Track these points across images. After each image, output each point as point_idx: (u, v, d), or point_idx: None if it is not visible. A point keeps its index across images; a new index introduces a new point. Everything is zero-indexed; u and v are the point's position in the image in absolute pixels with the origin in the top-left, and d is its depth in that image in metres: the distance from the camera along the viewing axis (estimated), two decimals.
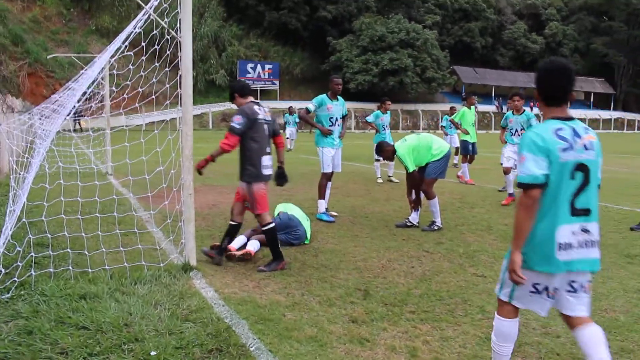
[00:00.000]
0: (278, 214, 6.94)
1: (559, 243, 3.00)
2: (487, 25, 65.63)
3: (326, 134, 8.41)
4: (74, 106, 5.30)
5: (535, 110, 62.38)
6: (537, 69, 3.26)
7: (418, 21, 57.44)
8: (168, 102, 5.17)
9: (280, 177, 6.09)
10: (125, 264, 5.20)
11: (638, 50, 68.85)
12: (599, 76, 71.73)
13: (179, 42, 5.11)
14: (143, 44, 5.05)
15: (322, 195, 8.44)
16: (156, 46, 5.08)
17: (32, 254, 5.06)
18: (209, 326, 4.09)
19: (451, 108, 16.49)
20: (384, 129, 13.05)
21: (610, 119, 67.09)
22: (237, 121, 5.43)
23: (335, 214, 8.51)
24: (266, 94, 51.94)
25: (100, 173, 12.24)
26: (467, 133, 13.13)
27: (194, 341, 3.82)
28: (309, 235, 6.74)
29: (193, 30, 5.08)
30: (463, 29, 64.44)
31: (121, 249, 5.48)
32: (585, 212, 3.04)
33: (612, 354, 3.40)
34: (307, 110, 8.50)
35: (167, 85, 5.18)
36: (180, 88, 5.16)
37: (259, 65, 51.73)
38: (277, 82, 52.55)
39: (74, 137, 9.52)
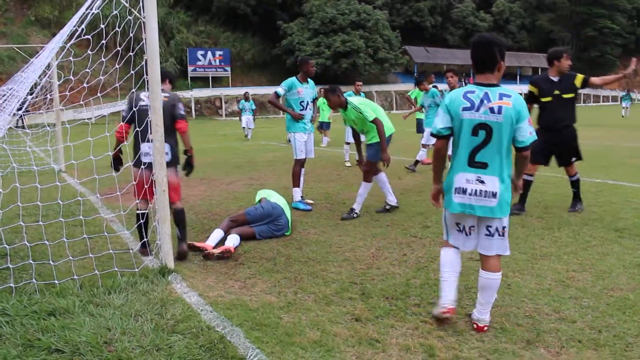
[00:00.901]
0: (259, 201, 6.51)
1: (455, 187, 3.65)
2: (436, 4, 65.91)
3: (298, 118, 8.00)
4: (26, 99, 4.72)
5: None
6: (470, 43, 3.77)
7: (368, 2, 57.09)
8: (134, 89, 4.64)
9: (185, 166, 5.58)
10: (96, 271, 4.69)
11: (580, 25, 70.71)
12: (545, 52, 72.49)
13: (143, 22, 4.59)
14: (102, 26, 4.51)
15: (296, 183, 8.04)
16: (117, 28, 4.53)
17: None
18: (200, 337, 3.67)
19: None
20: None
21: None
22: (123, 108, 5.33)
23: (311, 201, 8.14)
24: (218, 81, 50.82)
25: (57, 173, 11.48)
26: (420, 110, 12.74)
27: (186, 356, 3.40)
28: (290, 226, 6.35)
29: (138, 18, 4.57)
30: (412, 8, 64.51)
31: (90, 255, 4.96)
32: (483, 165, 3.57)
33: (634, 336, 3.65)
34: (277, 95, 8.05)
35: (132, 72, 4.66)
36: (147, 74, 4.65)
37: (209, 52, 50.43)
38: (228, 68, 51.43)
39: (20, 135, 8.83)
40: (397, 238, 6.13)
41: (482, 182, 3.57)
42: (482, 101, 3.54)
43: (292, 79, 8.12)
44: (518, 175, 3.90)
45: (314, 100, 8.42)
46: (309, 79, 8.21)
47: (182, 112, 5.41)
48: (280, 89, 8.04)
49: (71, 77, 4.50)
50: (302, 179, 8.18)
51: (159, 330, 3.76)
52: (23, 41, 39.79)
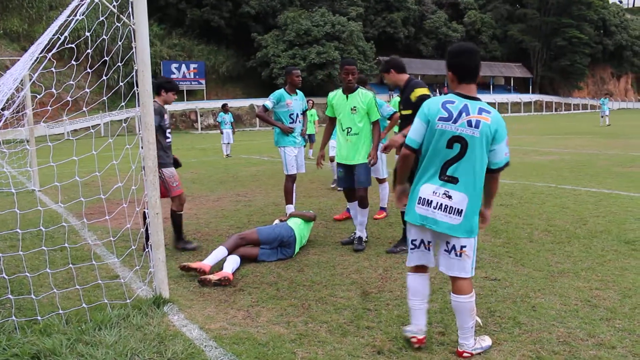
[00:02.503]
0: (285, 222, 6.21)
1: (420, 197, 3.44)
2: (409, 15, 66.32)
3: (287, 132, 7.64)
4: (2, 114, 4.27)
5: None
6: (448, 52, 3.51)
7: (342, 13, 57.18)
8: (123, 103, 4.23)
9: None
10: (84, 304, 4.24)
11: (550, 35, 71.94)
12: (517, 61, 74.37)
13: (132, 29, 4.19)
14: (87, 33, 4.09)
15: (289, 200, 7.66)
16: (104, 36, 4.12)
17: None
18: None
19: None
20: None
21: (531, 102, 69.67)
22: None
23: None
24: (193, 94, 50.15)
25: (32, 192, 10.90)
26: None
27: None
28: (296, 250, 5.97)
29: (110, 30, 4.18)
30: (386, 19, 64.78)
31: (77, 286, 4.48)
32: (453, 180, 3.35)
33: None
34: (265, 108, 7.67)
35: (121, 84, 4.25)
36: (137, 86, 4.24)
37: (183, 65, 49.74)
38: (203, 81, 50.76)
39: None
40: (402, 257, 5.77)
41: (449, 197, 3.36)
42: (460, 113, 3.33)
43: (281, 91, 7.76)
44: (488, 202, 3.64)
45: (304, 113, 8.08)
46: (297, 90, 7.88)
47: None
48: (268, 102, 7.66)
49: (53, 90, 4.06)
50: (294, 195, 7.81)
51: None
52: None
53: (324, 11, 54.85)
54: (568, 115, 59.73)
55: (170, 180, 6.23)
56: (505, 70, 73.18)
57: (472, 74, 3.42)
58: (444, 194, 3.36)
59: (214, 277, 4.99)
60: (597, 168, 12.83)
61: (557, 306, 4.33)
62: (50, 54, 3.96)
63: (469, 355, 3.48)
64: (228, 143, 19.67)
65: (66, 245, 5.07)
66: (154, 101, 5.98)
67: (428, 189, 3.40)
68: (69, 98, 4.12)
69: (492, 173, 3.46)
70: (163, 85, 6.24)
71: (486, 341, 3.62)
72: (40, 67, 4.14)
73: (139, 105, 4.25)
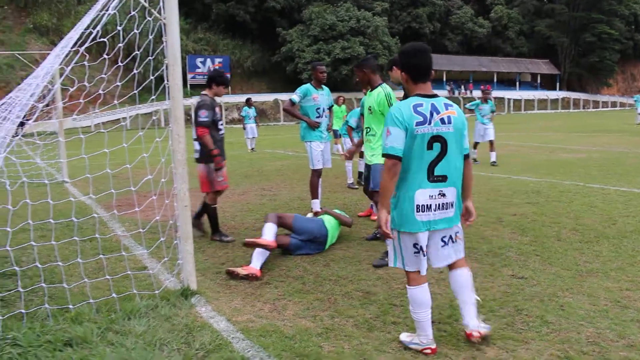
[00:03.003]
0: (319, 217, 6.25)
1: (417, 205, 3.40)
2: (435, 10, 65.76)
3: (314, 126, 7.63)
4: (36, 106, 4.35)
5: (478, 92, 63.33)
6: (400, 52, 3.60)
7: (367, 8, 56.92)
8: (153, 96, 4.29)
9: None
10: (113, 294, 4.31)
11: (579, 31, 70.59)
12: (544, 58, 73.25)
13: (163, 24, 4.24)
14: (119, 27, 4.14)
15: (315, 195, 7.66)
16: (136, 30, 4.18)
17: None
18: None
19: (483, 91, 14.83)
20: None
21: (558, 99, 68.56)
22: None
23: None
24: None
25: (61, 184, 11.11)
26: None
27: None
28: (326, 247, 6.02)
29: (138, 25, 4.23)
30: (411, 14, 64.35)
31: (108, 277, 4.57)
32: (443, 179, 3.43)
33: None
34: (292, 102, 7.68)
35: (152, 77, 4.30)
36: (167, 80, 4.29)
37: (208, 60, 50.13)
38: (228, 75, 50.82)
39: (20, 145, 8.48)
40: None
41: (443, 195, 3.45)
42: (432, 113, 3.39)
43: (307, 86, 7.76)
44: (468, 193, 3.67)
45: (330, 108, 8.07)
46: (323, 86, 7.87)
47: (200, 119, 6.11)
48: (295, 96, 7.67)
49: (85, 83, 4.13)
50: (319, 189, 7.82)
51: None
52: (21, 49, 39.44)
53: (349, 6, 54.68)
54: (596, 113, 58.66)
55: (217, 174, 6.40)
56: (532, 66, 72.16)
57: (426, 73, 3.50)
58: (439, 194, 3.43)
59: (242, 271, 5.03)
60: (627, 167, 12.59)
61: (586, 306, 4.28)
62: (82, 48, 4.02)
63: (480, 334, 3.57)
64: (253, 137, 19.75)
65: (97, 236, 5.16)
66: (204, 94, 6.25)
67: (423, 194, 3.40)
68: (101, 91, 4.18)
69: (465, 159, 3.59)
70: (214, 79, 6.41)
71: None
72: (73, 62, 4.20)
73: (169, 99, 4.29)
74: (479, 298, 3.86)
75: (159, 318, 4.07)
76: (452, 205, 3.48)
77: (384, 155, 3.39)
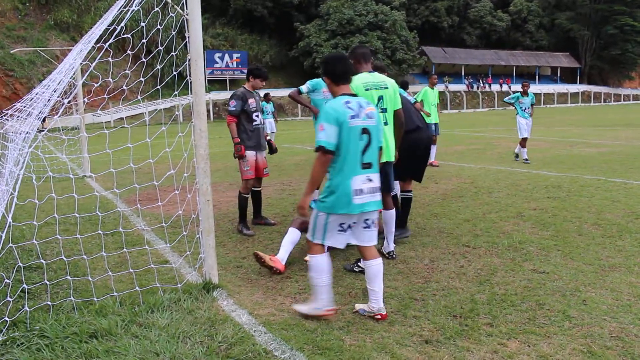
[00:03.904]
0: None
1: (354, 190, 3.83)
2: (453, 4, 65.22)
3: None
4: (62, 102, 4.42)
5: (505, 86, 62.64)
6: (324, 60, 4.22)
7: (385, 2, 56.61)
8: (177, 92, 4.32)
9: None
10: (137, 287, 4.38)
11: (600, 24, 69.40)
12: (564, 51, 72.25)
13: (186, 19, 4.27)
14: (143, 24, 4.19)
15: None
16: (159, 26, 4.22)
17: (25, 285, 4.17)
18: None
19: (523, 85, 13.60)
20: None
21: (578, 93, 67.68)
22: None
23: None
24: (236, 84, 50.57)
25: (82, 179, 11.25)
26: (428, 115, 12.22)
27: None
28: None
29: (156, 20, 4.26)
30: (429, 8, 63.89)
31: (131, 270, 4.63)
32: (369, 166, 3.92)
33: None
34: (299, 91, 7.75)
35: (174, 73, 4.34)
36: (190, 75, 4.33)
37: (226, 55, 50.29)
38: (245, 70, 51.22)
39: (42, 140, 8.59)
40: (449, 248, 5.75)
41: (370, 180, 3.92)
42: (359, 109, 3.90)
43: (319, 80, 7.80)
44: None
45: None
46: None
47: (229, 108, 6.60)
48: (303, 87, 7.74)
49: (110, 79, 4.18)
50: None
51: (212, 355, 3.43)
52: (42, 45, 39.89)
53: (367, 0, 54.42)
54: (618, 107, 57.76)
55: (243, 164, 6.69)
56: (552, 60, 71.23)
57: (344, 77, 4.04)
58: (368, 179, 3.90)
59: (269, 261, 5.03)
60: None
61: (608, 301, 4.24)
62: (107, 44, 4.07)
63: (382, 316, 3.97)
64: (272, 132, 19.66)
65: (120, 230, 5.23)
66: (243, 87, 6.63)
67: (358, 180, 3.85)
68: (124, 87, 4.23)
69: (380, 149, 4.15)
70: (252, 72, 6.87)
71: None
72: (97, 59, 4.25)
73: (191, 94, 4.33)
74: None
75: (182, 311, 4.12)
76: (378, 190, 3.99)
77: (317, 149, 3.83)
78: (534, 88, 62.98)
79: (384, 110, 5.16)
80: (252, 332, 3.78)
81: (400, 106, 5.34)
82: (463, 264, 5.21)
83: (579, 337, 3.64)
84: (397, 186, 6.70)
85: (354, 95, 4.03)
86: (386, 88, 5.19)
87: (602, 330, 3.74)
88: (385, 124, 5.17)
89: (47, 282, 4.25)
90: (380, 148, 4.12)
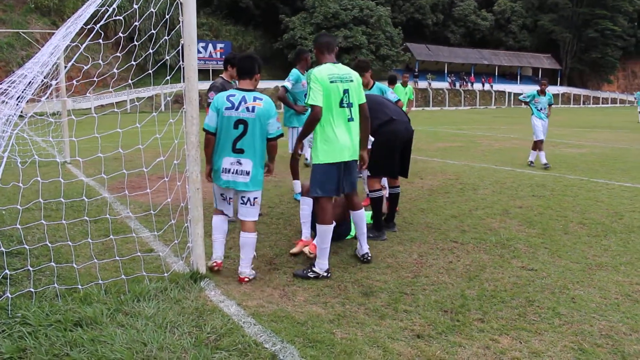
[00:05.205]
0: None
1: (223, 167, 4.61)
2: (438, 1, 65.41)
3: (302, 112, 7.63)
4: (51, 84, 4.28)
5: (487, 85, 63.09)
6: (243, 58, 4.89)
7: None
8: (168, 77, 4.22)
9: None
10: (122, 275, 4.28)
11: (582, 27, 70.22)
12: (546, 52, 72.98)
13: (180, 3, 4.17)
14: (135, 6, 4.08)
15: (296, 175, 7.71)
16: (152, 9, 4.11)
17: (7, 271, 4.04)
18: (249, 355, 3.28)
19: (542, 83, 12.55)
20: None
21: (558, 94, 68.40)
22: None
23: None
24: (218, 74, 50.22)
25: (62, 165, 11.02)
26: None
27: None
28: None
29: (139, 8, 4.15)
30: (414, 5, 63.96)
31: (117, 258, 4.53)
32: (241, 151, 4.56)
33: None
34: (286, 89, 7.72)
35: (167, 57, 4.24)
36: (183, 60, 4.23)
37: (210, 45, 49.83)
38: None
39: (19, 124, 8.37)
40: (437, 243, 5.74)
41: (240, 163, 4.57)
42: (240, 102, 4.54)
43: (297, 72, 7.79)
44: (271, 160, 4.82)
45: None
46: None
47: (208, 100, 6.04)
48: (288, 83, 7.72)
49: (100, 61, 4.06)
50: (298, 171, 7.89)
51: (200, 345, 3.36)
52: (23, 29, 39.08)
53: None
54: (597, 109, 58.52)
55: None
56: (534, 61, 71.90)
57: (244, 73, 4.70)
58: (237, 162, 4.54)
59: (308, 254, 5.09)
60: (629, 163, 12.56)
61: (597, 299, 4.26)
62: (98, 25, 3.95)
63: (248, 279, 4.56)
64: None
65: (108, 216, 5.12)
66: (220, 77, 6.44)
67: (227, 161, 4.56)
68: (115, 70, 4.11)
69: (269, 141, 4.66)
70: (229, 61, 6.61)
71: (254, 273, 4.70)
72: (87, 40, 4.13)
73: (184, 80, 4.23)
74: (255, 254, 4.84)
75: (169, 301, 4.04)
76: (247, 173, 4.57)
77: (203, 129, 4.58)
78: (516, 88, 63.61)
79: (350, 105, 4.77)
80: (241, 323, 3.71)
81: (364, 100, 4.94)
82: (452, 260, 5.19)
83: (569, 334, 3.64)
84: (385, 184, 6.68)
85: (248, 90, 4.65)
86: (351, 81, 4.81)
87: (591, 328, 3.75)
88: (351, 119, 4.79)
89: (30, 269, 4.13)
90: (275, 138, 4.68)
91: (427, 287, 4.47)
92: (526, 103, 12.43)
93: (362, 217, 5.15)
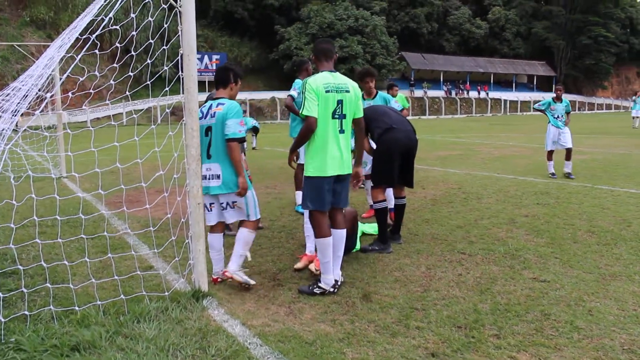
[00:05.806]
0: None
1: (203, 174, 4.58)
2: (433, 10, 65.69)
3: None
4: (46, 97, 4.13)
5: (483, 93, 63.21)
6: (219, 69, 5.05)
7: (365, 7, 56.81)
8: (167, 88, 4.07)
9: None
10: (122, 295, 4.11)
11: (576, 33, 70.65)
12: (540, 59, 73.27)
13: (179, 12, 4.04)
14: (132, 15, 3.94)
15: (300, 186, 7.56)
16: (150, 18, 3.97)
17: (0, 293, 3.86)
18: None
19: (557, 90, 12.28)
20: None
21: None
22: None
23: None
24: (214, 86, 50.18)
25: (57, 179, 10.85)
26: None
27: None
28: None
29: (135, 19, 4.02)
30: (409, 14, 64.22)
31: (115, 277, 4.36)
32: (209, 157, 4.65)
33: None
34: (293, 98, 7.60)
35: (165, 68, 4.09)
36: (182, 70, 4.09)
37: (206, 56, 49.77)
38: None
39: (13, 137, 8.21)
40: (444, 255, 5.58)
41: (210, 169, 4.65)
42: (208, 111, 4.70)
43: (300, 81, 7.68)
44: (236, 167, 4.66)
45: None
46: None
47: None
48: (294, 92, 7.62)
49: (96, 73, 3.91)
50: None
51: None
52: (18, 42, 39.00)
53: (348, 5, 54.59)
54: (592, 115, 58.59)
55: None
56: (529, 68, 72.19)
57: (222, 83, 4.86)
58: (207, 168, 4.63)
59: (314, 270, 4.93)
60: (632, 168, 12.44)
61: (614, 311, 4.10)
62: (94, 35, 3.81)
63: (230, 277, 4.60)
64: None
65: (105, 234, 4.95)
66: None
67: (203, 168, 4.60)
68: (111, 81, 3.96)
69: (228, 142, 4.58)
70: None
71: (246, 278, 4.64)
72: (83, 51, 3.99)
73: (183, 91, 4.09)
74: (249, 255, 4.88)
75: (170, 321, 3.87)
76: (217, 177, 4.63)
77: None
78: (511, 95, 63.76)
79: (342, 117, 4.54)
80: (246, 344, 3.54)
81: (361, 114, 4.74)
82: (461, 272, 5.04)
83: (590, 349, 3.49)
84: (390, 194, 6.50)
85: (218, 98, 4.77)
86: (347, 92, 4.57)
87: (612, 342, 3.59)
88: (342, 132, 4.56)
89: (25, 290, 3.95)
90: (232, 140, 4.57)
91: (438, 301, 4.31)
92: (542, 111, 11.97)
93: (341, 238, 4.71)
